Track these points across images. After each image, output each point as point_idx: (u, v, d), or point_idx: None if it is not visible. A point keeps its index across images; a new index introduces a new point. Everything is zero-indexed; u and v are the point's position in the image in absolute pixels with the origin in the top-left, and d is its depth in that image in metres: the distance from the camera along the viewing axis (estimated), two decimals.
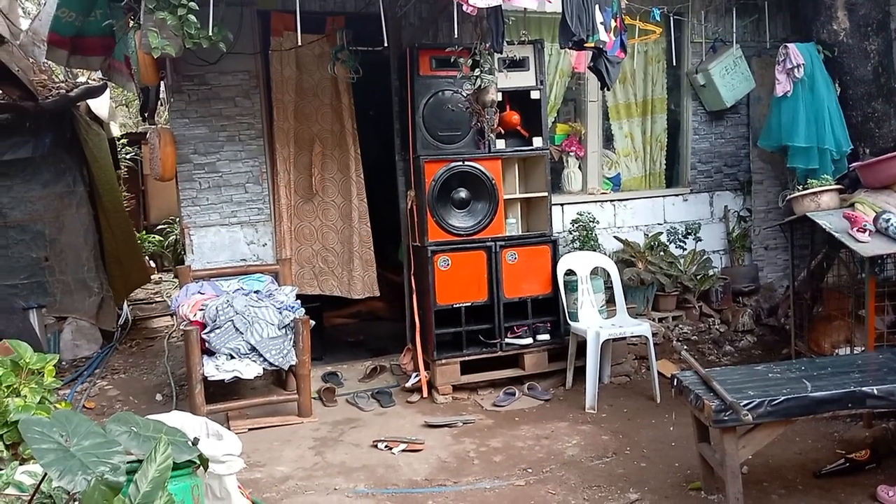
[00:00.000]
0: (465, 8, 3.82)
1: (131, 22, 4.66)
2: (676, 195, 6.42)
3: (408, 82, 5.18)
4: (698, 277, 6.13)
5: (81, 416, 2.31)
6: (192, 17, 4.03)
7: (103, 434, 2.27)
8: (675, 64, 6.19)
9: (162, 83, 5.61)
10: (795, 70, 5.43)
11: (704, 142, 6.46)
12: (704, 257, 6.29)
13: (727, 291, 6.27)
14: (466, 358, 5.12)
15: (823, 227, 4.40)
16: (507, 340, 5.18)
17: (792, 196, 4.83)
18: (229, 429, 4.40)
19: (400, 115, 5.51)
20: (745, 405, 3.06)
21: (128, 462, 2.28)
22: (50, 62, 6.26)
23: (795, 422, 3.25)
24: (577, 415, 4.71)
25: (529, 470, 3.93)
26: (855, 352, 4.40)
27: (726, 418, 3.08)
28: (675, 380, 3.51)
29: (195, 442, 2.58)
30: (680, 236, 6.36)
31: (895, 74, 5.57)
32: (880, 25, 5.47)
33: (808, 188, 4.70)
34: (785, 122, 5.59)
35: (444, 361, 5.07)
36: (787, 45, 5.48)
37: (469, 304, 5.13)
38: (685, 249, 6.33)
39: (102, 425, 2.36)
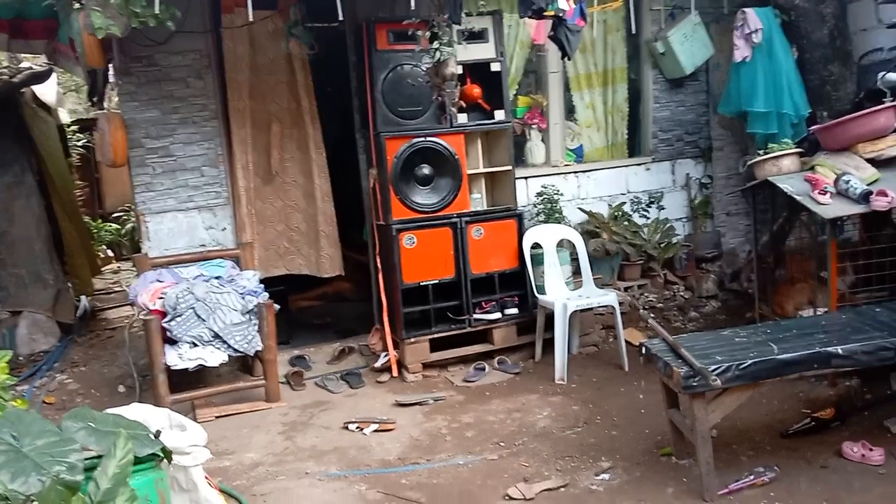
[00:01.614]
0: None
1: (74, 2, 4.47)
2: (639, 164, 6.42)
3: (365, 57, 5.07)
4: (662, 246, 6.16)
5: (34, 414, 2.23)
6: None
7: (58, 432, 2.19)
8: (634, 32, 6.14)
9: (110, 66, 5.40)
10: (753, 35, 5.43)
11: (665, 110, 6.45)
12: (668, 225, 6.32)
13: (691, 258, 6.32)
14: (435, 335, 5.08)
15: (785, 190, 4.43)
16: (475, 316, 5.15)
17: (753, 161, 4.85)
18: (195, 418, 4.33)
19: (359, 91, 5.40)
20: (713, 370, 3.07)
21: (86, 459, 2.21)
22: None
23: (763, 384, 3.27)
24: (548, 387, 4.72)
25: (502, 444, 3.93)
26: (818, 313, 4.45)
27: (695, 384, 3.09)
28: (644, 348, 3.52)
29: (157, 434, 2.51)
30: (643, 206, 6.38)
31: (850, 38, 5.60)
32: None
33: (768, 152, 4.71)
34: (744, 88, 5.60)
35: (412, 340, 5.03)
36: (745, 9, 5.48)
37: (436, 281, 5.08)
38: (649, 218, 6.36)
39: (57, 423, 2.28)
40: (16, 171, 6.20)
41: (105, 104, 6.77)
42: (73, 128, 9.75)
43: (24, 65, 7.24)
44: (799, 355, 3.18)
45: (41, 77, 6.69)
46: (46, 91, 7.20)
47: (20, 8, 5.09)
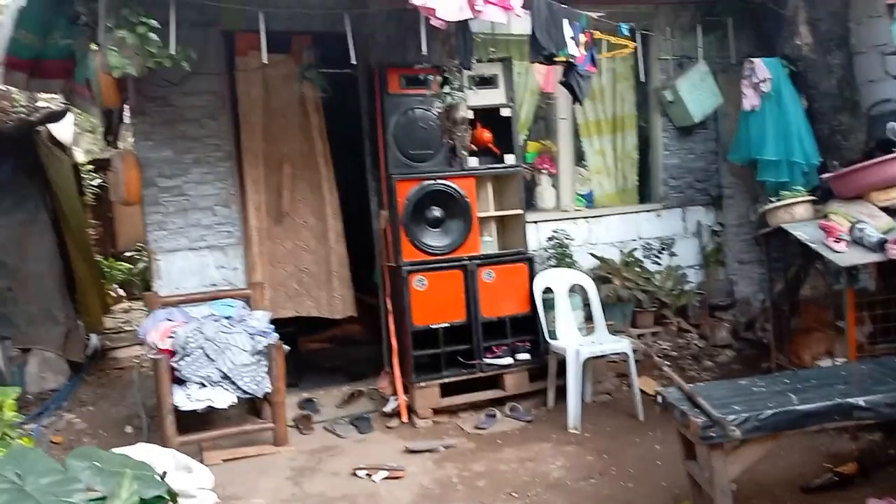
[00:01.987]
0: (433, 21, 3.79)
1: (91, 43, 4.55)
2: (649, 211, 6.42)
3: (377, 101, 5.13)
4: (675, 293, 6.11)
5: (39, 451, 2.18)
6: (152, 36, 3.95)
7: (62, 470, 2.13)
8: (643, 80, 6.22)
9: (125, 106, 5.48)
10: (762, 84, 5.48)
11: (675, 157, 6.47)
12: (680, 272, 6.28)
13: (704, 306, 6.27)
14: (446, 380, 5.01)
15: (799, 238, 4.40)
16: (486, 361, 5.08)
17: (766, 208, 4.84)
18: (202, 461, 4.23)
19: (370, 134, 5.44)
20: (731, 420, 3.00)
21: (91, 500, 2.15)
22: (8, 86, 6.09)
23: (783, 436, 3.19)
24: (561, 435, 4.62)
25: (515, 494, 3.83)
26: (837, 363, 4.38)
27: (713, 434, 3.01)
28: (660, 396, 3.44)
29: (163, 476, 2.44)
30: (655, 252, 6.35)
31: (858, 89, 5.64)
32: (842, 40, 5.55)
33: (781, 200, 4.70)
34: (754, 136, 5.62)
35: (423, 384, 4.95)
36: (753, 59, 5.54)
37: (447, 324, 5.03)
38: (661, 265, 6.32)
39: (62, 461, 2.22)
40: (30, 209, 6.23)
41: (120, 143, 6.83)
42: (88, 167, 9.83)
43: (41, 104, 7.35)
44: (820, 406, 3.11)
45: (58, 116, 6.77)
46: (62, 130, 7.28)
47: (40, 49, 5.18)
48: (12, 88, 6.57)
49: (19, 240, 6.13)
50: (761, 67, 5.47)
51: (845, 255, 4.13)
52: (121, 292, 10.15)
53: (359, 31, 4.97)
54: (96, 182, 10.01)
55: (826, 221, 4.39)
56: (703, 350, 5.92)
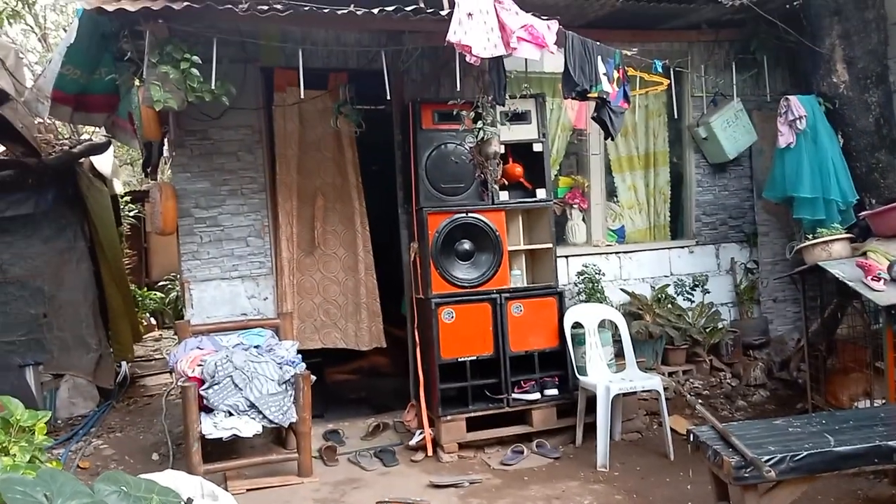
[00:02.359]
0: (468, 58, 3.84)
1: (135, 78, 4.70)
2: (682, 247, 6.36)
3: (410, 136, 5.19)
4: (707, 330, 6.00)
5: (68, 474, 2.20)
6: (194, 71, 4.06)
7: (90, 494, 2.15)
8: (676, 117, 6.22)
9: (165, 139, 5.62)
10: (798, 122, 5.44)
11: (708, 194, 6.43)
12: (713, 310, 6.18)
13: (737, 345, 6.15)
14: (472, 414, 4.96)
15: (836, 276, 4.32)
16: (514, 396, 5.03)
17: (802, 245, 4.77)
18: (227, 489, 4.24)
19: (403, 168, 5.50)
20: (766, 461, 2.93)
21: None
22: (54, 119, 6.29)
23: (819, 478, 3.10)
24: (589, 473, 4.53)
25: None
26: (875, 405, 4.25)
27: (747, 475, 2.94)
28: (692, 435, 3.38)
29: (189, 502, 2.45)
30: (687, 288, 6.27)
31: None
32: (879, 78, 5.49)
33: (818, 237, 4.63)
34: (789, 173, 5.57)
35: (449, 418, 4.91)
36: (789, 97, 5.51)
37: (474, 357, 5.00)
38: (693, 302, 6.23)
39: (90, 485, 2.24)
40: (69, 237, 6.40)
41: (158, 175, 7.00)
42: (126, 198, 10.09)
43: (84, 137, 7.59)
44: (858, 448, 3.03)
45: (99, 149, 6.97)
46: (103, 162, 7.49)
47: (85, 84, 5.36)
48: (57, 122, 6.80)
49: (57, 267, 6.29)
50: (797, 105, 5.43)
51: (884, 294, 4.04)
52: (152, 321, 10.31)
53: (394, 67, 5.07)
54: (133, 213, 10.26)
55: (864, 259, 4.31)
56: (736, 389, 5.79)
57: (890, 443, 3.03)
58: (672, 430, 4.82)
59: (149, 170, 6.91)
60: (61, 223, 6.38)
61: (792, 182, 5.54)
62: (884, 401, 4.13)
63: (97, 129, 7.11)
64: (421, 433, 5.02)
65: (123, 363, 7.22)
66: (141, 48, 4.22)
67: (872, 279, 4.10)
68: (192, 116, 5.07)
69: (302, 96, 4.60)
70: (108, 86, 5.35)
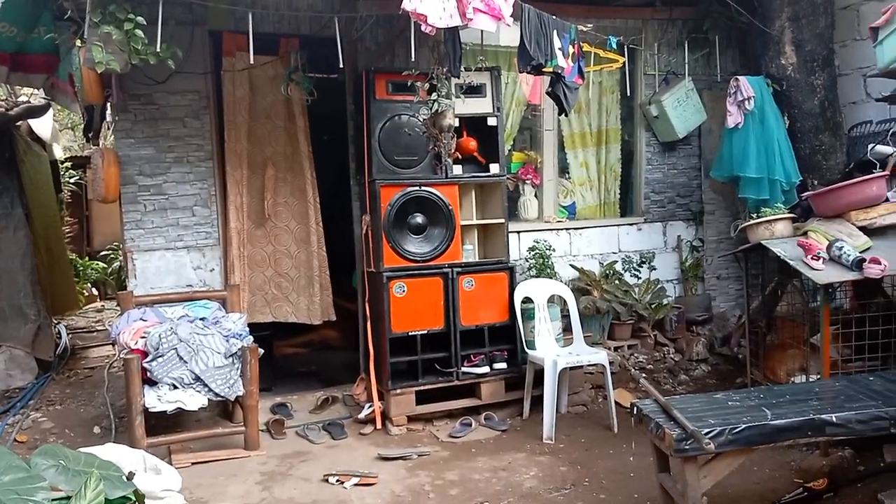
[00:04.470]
0: (423, 28, 3.78)
1: (76, 38, 4.50)
2: (630, 224, 6.45)
3: (363, 106, 5.11)
4: (653, 306, 6.13)
5: (2, 448, 2.12)
6: (138, 32, 3.91)
7: (27, 468, 2.09)
8: (628, 95, 6.26)
9: (107, 102, 5.41)
10: (746, 102, 5.52)
11: (657, 172, 6.52)
12: (659, 286, 6.30)
13: (681, 321, 6.29)
14: (422, 387, 4.99)
15: (778, 254, 4.43)
16: (463, 369, 5.07)
17: (746, 224, 4.87)
18: (171, 463, 4.17)
19: (355, 139, 5.42)
20: (706, 434, 3.00)
21: (54, 499, 2.10)
22: None
23: (756, 450, 3.20)
24: (535, 445, 4.61)
25: (487, 503, 3.80)
26: (811, 380, 4.41)
27: (687, 447, 3.02)
28: (635, 408, 3.44)
29: (130, 476, 2.40)
30: (634, 265, 6.37)
31: (840, 109, 5.71)
32: (826, 61, 5.61)
33: (762, 216, 4.74)
34: (736, 154, 5.66)
35: (398, 391, 4.92)
36: (738, 77, 5.59)
37: (425, 331, 5.01)
38: (640, 278, 6.34)
39: (26, 459, 2.17)
40: (5, 203, 6.14)
41: (100, 141, 6.76)
42: (67, 164, 9.72)
43: (22, 98, 7.25)
44: (793, 421, 3.13)
45: (38, 111, 6.69)
46: (42, 126, 7.19)
47: (22, 42, 5.11)
48: None
49: None
50: (746, 85, 5.51)
51: (823, 273, 4.16)
52: (94, 291, 10.02)
53: (347, 35, 4.96)
54: (74, 180, 9.90)
55: (805, 239, 4.42)
56: (679, 364, 5.94)
57: (822, 416, 3.14)
58: (616, 403, 4.92)
59: (90, 135, 6.66)
60: None
61: (739, 162, 5.63)
62: (818, 376, 4.27)
63: (35, 90, 6.79)
64: (370, 406, 5.02)
65: (64, 334, 7.00)
66: (82, 6, 4.05)
67: (812, 258, 4.21)
68: (137, 80, 4.89)
69: (251, 62, 4.48)
70: (46, 45, 5.12)
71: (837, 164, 5.54)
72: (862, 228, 4.46)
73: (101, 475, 2.18)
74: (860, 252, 4.24)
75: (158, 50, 4.06)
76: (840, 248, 4.21)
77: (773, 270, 5.26)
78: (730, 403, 3.40)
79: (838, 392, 3.49)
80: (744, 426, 3.07)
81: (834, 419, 3.13)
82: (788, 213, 4.84)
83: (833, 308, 4.54)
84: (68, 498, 2.12)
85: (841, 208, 4.59)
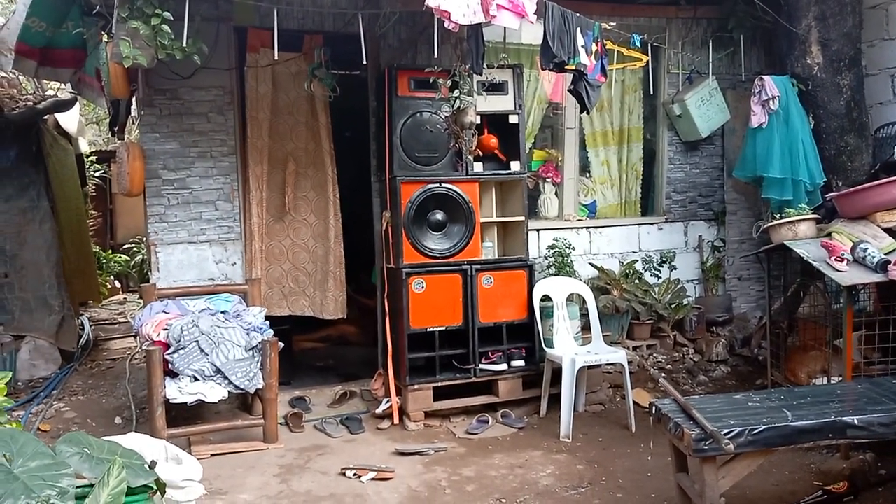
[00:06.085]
0: (447, 24, 3.78)
1: (103, 33, 4.56)
2: (651, 224, 6.41)
3: (385, 103, 5.12)
4: (673, 306, 6.09)
5: (28, 435, 2.16)
6: (165, 28, 3.95)
7: (52, 455, 2.12)
8: (651, 93, 6.23)
9: (133, 97, 5.48)
10: (770, 102, 5.47)
11: (679, 171, 6.47)
12: (679, 286, 6.26)
13: (701, 321, 6.25)
14: (439, 384, 5.00)
15: (801, 255, 4.39)
16: (481, 366, 5.07)
17: (769, 225, 4.83)
18: (191, 454, 4.22)
19: (377, 135, 5.45)
20: (725, 434, 2.99)
21: (78, 486, 2.14)
22: (17, 73, 6.09)
23: (775, 452, 3.18)
24: (552, 443, 4.60)
25: (503, 500, 3.81)
26: (832, 382, 4.36)
27: (706, 447, 3.00)
28: (654, 408, 3.43)
29: (152, 465, 2.43)
30: (655, 265, 6.34)
31: (866, 109, 5.64)
32: (852, 61, 5.54)
33: (785, 217, 4.69)
34: (760, 153, 5.61)
35: (416, 387, 4.94)
36: (763, 77, 5.53)
37: (443, 328, 5.02)
38: (660, 278, 6.31)
39: (52, 446, 2.21)
40: (32, 196, 6.24)
41: (126, 135, 6.84)
42: (92, 158, 9.86)
43: (49, 93, 7.36)
44: (814, 423, 3.10)
45: (65, 105, 6.78)
46: (69, 120, 7.30)
47: (51, 37, 5.19)
48: (21, 76, 6.59)
49: (19, 227, 6.14)
50: (771, 85, 5.46)
51: (846, 275, 4.12)
52: (117, 284, 10.15)
53: (370, 31, 4.98)
54: (98, 173, 10.03)
55: (829, 240, 4.38)
56: (699, 364, 5.90)
57: (844, 418, 3.11)
58: (634, 402, 4.90)
59: (116, 129, 6.73)
60: (24, 181, 6.22)
61: (762, 162, 5.58)
62: (840, 378, 4.23)
63: (63, 85, 6.89)
64: (388, 401, 5.04)
65: (87, 325, 7.10)
66: (110, 2, 4.09)
67: (836, 259, 4.17)
68: (162, 75, 4.95)
69: (276, 58, 4.50)
70: (74, 40, 5.19)
71: (863, 165, 5.47)
72: (887, 230, 4.41)
73: (123, 463, 2.22)
74: (885, 254, 4.19)
75: (185, 45, 4.09)
76: (864, 250, 4.16)
77: (795, 272, 5.21)
78: (750, 404, 3.38)
79: (860, 394, 3.46)
80: (764, 427, 3.04)
81: (855, 422, 3.10)
82: (812, 214, 4.79)
83: (856, 310, 4.49)
84: (92, 485, 2.15)
85: (866, 210, 4.54)
